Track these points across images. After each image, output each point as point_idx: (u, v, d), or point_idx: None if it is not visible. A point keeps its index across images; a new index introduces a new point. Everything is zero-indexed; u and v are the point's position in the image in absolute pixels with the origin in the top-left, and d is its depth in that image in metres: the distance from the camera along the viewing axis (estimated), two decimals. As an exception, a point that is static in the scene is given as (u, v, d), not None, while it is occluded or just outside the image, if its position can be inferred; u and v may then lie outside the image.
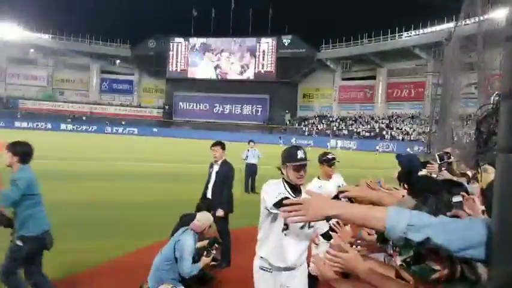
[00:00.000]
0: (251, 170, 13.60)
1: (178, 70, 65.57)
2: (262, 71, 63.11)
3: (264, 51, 62.95)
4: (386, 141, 49.11)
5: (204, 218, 4.77)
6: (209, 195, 6.25)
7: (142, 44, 65.89)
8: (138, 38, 66.83)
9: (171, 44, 65.31)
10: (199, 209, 5.23)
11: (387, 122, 54.44)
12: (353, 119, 58.37)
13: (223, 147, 6.49)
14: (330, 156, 4.90)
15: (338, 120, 59.23)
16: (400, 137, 49.35)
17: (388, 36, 54.56)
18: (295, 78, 62.21)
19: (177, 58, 65.40)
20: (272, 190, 3.16)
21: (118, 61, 67.13)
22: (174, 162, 21.69)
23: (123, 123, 59.97)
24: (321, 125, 59.15)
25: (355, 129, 55.02)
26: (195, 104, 65.39)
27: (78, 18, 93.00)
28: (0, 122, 53.82)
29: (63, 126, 56.90)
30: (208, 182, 6.43)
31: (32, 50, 64.00)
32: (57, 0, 73.68)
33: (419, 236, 1.33)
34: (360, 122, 56.99)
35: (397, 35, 53.82)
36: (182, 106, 65.69)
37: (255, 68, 63.35)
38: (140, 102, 68.37)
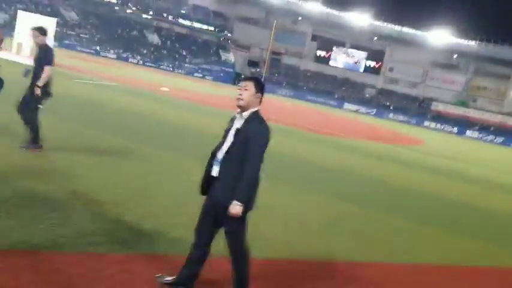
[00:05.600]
0: None
1: None
2: None
3: None
4: None
5: None
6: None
7: None
8: None
9: None
10: None
11: None
12: None
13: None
14: None
15: None
16: None
17: None
18: None
19: None
20: None
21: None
22: None
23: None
24: None
25: None
26: None
27: (509, 25, 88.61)
28: (413, 120, 59.53)
29: (468, 132, 56.86)
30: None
31: (455, 56, 66.65)
32: (489, 7, 72.59)
33: None
34: None
35: None
36: None
37: None
38: None
